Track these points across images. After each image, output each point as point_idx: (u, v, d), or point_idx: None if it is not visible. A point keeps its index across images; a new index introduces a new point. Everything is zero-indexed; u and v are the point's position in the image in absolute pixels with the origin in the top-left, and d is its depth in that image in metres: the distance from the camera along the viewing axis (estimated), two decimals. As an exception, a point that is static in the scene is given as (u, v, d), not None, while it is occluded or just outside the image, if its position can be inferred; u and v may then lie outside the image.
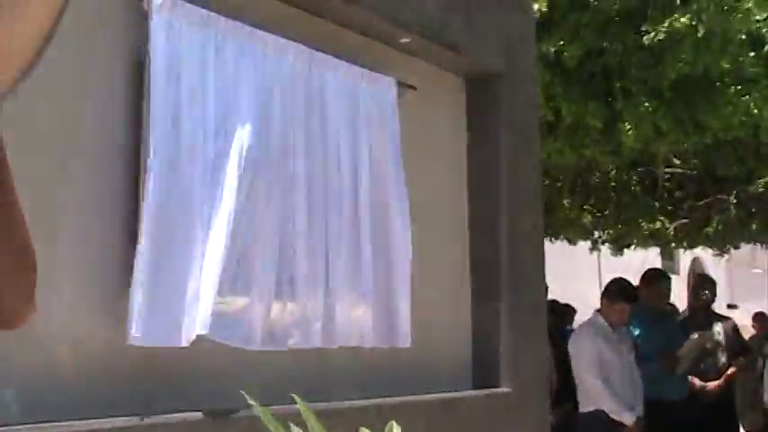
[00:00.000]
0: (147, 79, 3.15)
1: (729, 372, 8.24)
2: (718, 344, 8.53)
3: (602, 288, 7.63)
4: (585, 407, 7.08)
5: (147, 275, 3.05)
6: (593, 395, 7.04)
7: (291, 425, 1.88)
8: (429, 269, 4.34)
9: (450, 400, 4.33)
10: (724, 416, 8.11)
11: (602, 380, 7.00)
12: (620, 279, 7.57)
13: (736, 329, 8.93)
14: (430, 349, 4.39)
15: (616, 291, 7.22)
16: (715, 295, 8.76)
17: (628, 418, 7.02)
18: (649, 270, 8.53)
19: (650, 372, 7.76)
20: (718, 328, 8.65)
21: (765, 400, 7.15)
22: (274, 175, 3.56)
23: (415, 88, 4.36)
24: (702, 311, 8.69)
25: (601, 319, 7.24)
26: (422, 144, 4.43)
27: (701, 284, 8.88)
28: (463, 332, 4.75)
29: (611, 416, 7.00)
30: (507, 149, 4.91)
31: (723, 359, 8.36)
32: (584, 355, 7.11)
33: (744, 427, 7.79)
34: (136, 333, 3.01)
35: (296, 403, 1.89)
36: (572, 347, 7.27)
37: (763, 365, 7.41)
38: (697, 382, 8.30)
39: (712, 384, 8.26)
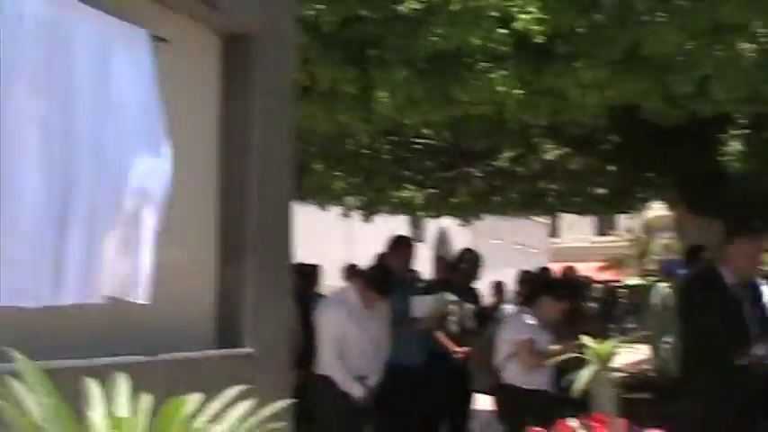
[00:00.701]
0: None
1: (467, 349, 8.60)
2: (464, 311, 8.90)
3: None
4: (321, 370, 7.21)
5: None
6: (327, 366, 7.17)
7: (12, 379, 1.80)
8: (174, 227, 4.25)
9: (192, 360, 4.28)
10: (459, 378, 8.47)
11: (338, 355, 7.13)
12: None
13: (479, 298, 9.37)
14: (173, 308, 4.32)
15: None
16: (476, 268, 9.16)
17: (357, 391, 7.19)
18: (395, 236, 8.78)
19: (390, 336, 7.98)
20: (465, 296, 9.04)
21: (495, 363, 7.53)
22: (17, 124, 3.37)
23: (167, 41, 4.24)
24: (457, 280, 9.05)
25: (351, 295, 7.35)
26: (173, 99, 4.32)
27: (464, 257, 9.26)
28: (207, 292, 4.71)
29: (341, 386, 7.15)
30: (260, 110, 4.87)
31: (469, 325, 8.75)
32: (326, 327, 7.22)
33: (475, 389, 8.16)
34: None
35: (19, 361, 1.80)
36: (317, 315, 7.37)
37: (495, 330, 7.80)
38: (448, 344, 8.64)
39: (461, 350, 8.63)
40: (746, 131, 7.59)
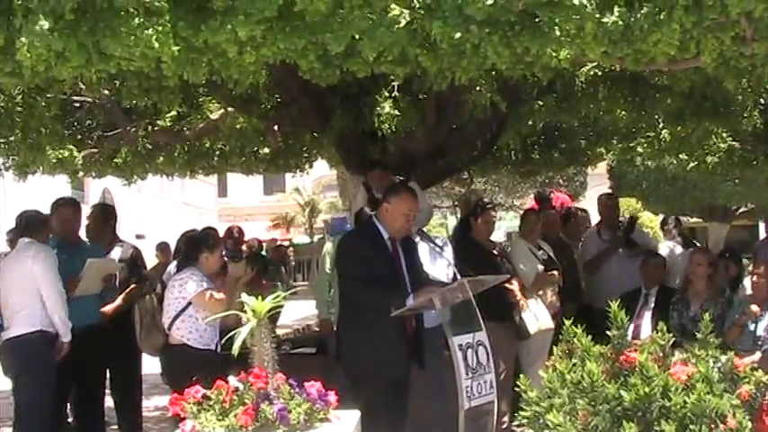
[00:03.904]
0: None
1: (120, 299, 8.55)
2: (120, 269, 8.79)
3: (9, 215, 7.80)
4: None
5: None
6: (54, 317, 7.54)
7: None
8: None
9: None
10: (126, 340, 8.35)
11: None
12: (34, 211, 7.92)
13: (136, 256, 9.22)
14: None
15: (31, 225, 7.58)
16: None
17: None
18: (59, 199, 8.65)
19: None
20: (118, 254, 8.88)
21: (163, 321, 7.51)
22: None
23: None
24: (108, 238, 8.93)
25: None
26: None
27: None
28: None
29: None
30: None
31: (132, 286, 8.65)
32: (47, 275, 7.51)
33: (144, 351, 8.06)
34: None
35: None
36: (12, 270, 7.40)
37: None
38: (105, 308, 8.50)
39: (109, 309, 8.54)
40: (395, 94, 7.89)
